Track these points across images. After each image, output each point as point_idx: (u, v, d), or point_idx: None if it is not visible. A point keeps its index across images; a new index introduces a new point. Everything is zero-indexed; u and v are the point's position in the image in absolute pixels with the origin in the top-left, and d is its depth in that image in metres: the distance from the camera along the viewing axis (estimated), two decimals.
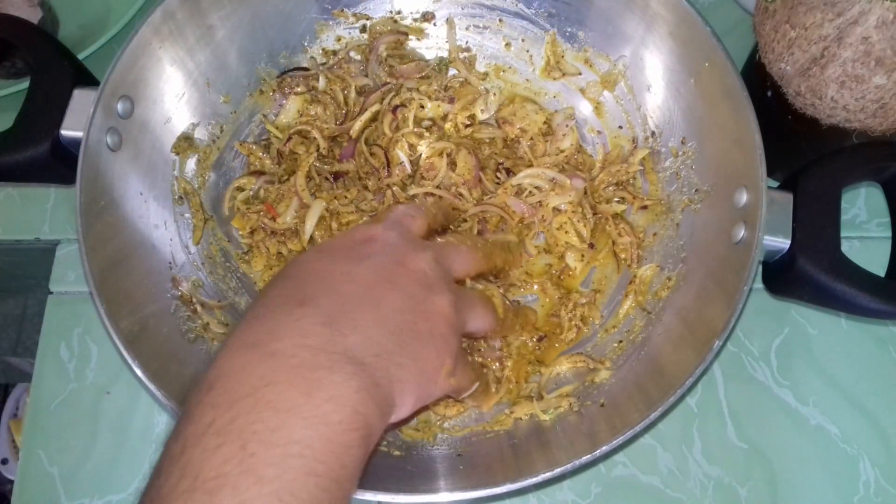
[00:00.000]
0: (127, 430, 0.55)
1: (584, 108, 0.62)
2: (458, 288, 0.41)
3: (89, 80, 0.53)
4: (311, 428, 0.30)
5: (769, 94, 0.53)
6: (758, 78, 0.53)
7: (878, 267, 0.49)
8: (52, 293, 0.60)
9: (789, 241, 0.47)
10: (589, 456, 0.43)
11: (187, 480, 0.28)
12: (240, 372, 0.31)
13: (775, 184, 0.49)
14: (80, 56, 0.64)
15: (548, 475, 0.43)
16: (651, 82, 0.58)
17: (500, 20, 0.63)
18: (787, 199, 0.48)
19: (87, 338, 0.58)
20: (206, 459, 0.29)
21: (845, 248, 0.60)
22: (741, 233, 0.48)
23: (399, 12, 0.63)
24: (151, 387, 0.44)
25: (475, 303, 0.43)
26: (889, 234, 0.52)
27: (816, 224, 0.47)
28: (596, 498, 0.53)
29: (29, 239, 0.63)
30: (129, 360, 0.44)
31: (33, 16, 0.65)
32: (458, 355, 0.39)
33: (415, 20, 0.64)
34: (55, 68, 0.52)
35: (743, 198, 0.49)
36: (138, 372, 0.44)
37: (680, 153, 0.56)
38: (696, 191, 0.55)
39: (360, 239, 0.40)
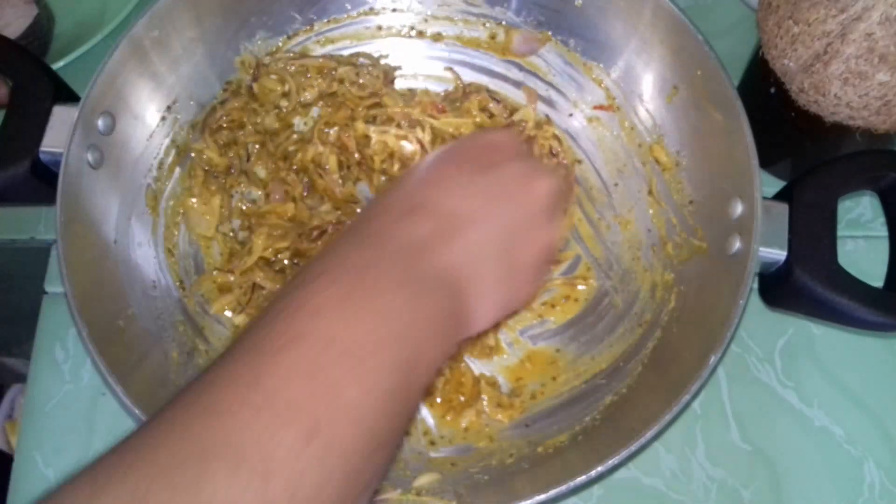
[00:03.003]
0: (123, 431, 0.54)
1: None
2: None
3: (70, 96, 0.52)
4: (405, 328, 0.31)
5: (773, 90, 0.52)
6: (761, 74, 0.53)
7: (883, 266, 0.49)
8: (47, 293, 0.60)
9: (785, 253, 0.46)
10: (584, 476, 0.42)
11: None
12: (344, 260, 0.32)
13: (769, 194, 0.48)
14: (76, 54, 0.64)
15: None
16: (642, 91, 0.58)
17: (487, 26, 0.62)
18: (782, 209, 0.47)
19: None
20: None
21: (850, 247, 0.60)
22: (736, 244, 0.47)
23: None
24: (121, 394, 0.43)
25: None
26: None
27: (813, 235, 0.46)
28: (598, 500, 0.52)
29: (24, 238, 0.62)
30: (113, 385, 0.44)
31: (29, 13, 0.65)
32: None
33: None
34: (34, 85, 0.50)
35: (737, 209, 0.48)
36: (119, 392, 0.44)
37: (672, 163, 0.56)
38: (689, 201, 0.54)
39: (483, 144, 0.39)
